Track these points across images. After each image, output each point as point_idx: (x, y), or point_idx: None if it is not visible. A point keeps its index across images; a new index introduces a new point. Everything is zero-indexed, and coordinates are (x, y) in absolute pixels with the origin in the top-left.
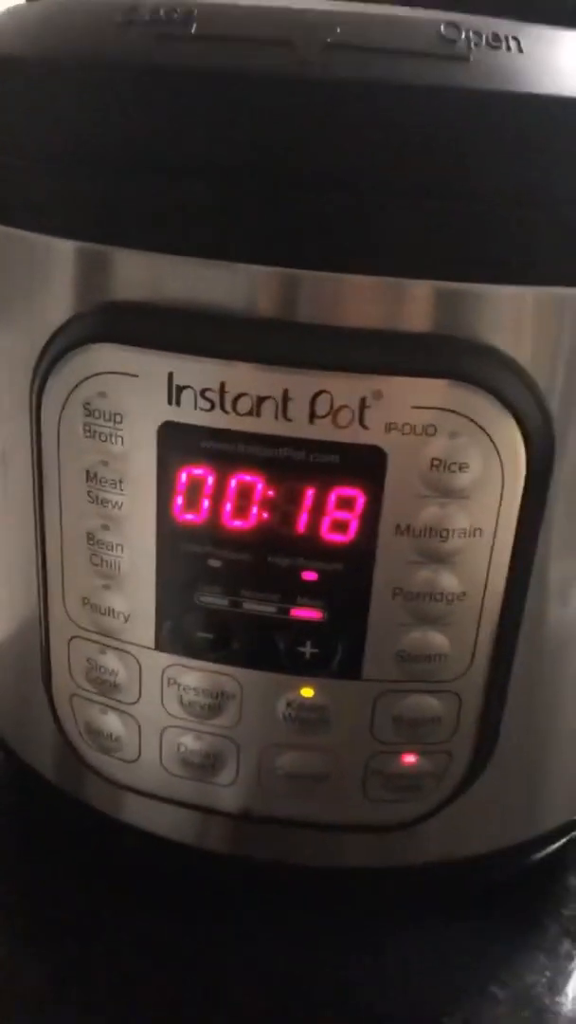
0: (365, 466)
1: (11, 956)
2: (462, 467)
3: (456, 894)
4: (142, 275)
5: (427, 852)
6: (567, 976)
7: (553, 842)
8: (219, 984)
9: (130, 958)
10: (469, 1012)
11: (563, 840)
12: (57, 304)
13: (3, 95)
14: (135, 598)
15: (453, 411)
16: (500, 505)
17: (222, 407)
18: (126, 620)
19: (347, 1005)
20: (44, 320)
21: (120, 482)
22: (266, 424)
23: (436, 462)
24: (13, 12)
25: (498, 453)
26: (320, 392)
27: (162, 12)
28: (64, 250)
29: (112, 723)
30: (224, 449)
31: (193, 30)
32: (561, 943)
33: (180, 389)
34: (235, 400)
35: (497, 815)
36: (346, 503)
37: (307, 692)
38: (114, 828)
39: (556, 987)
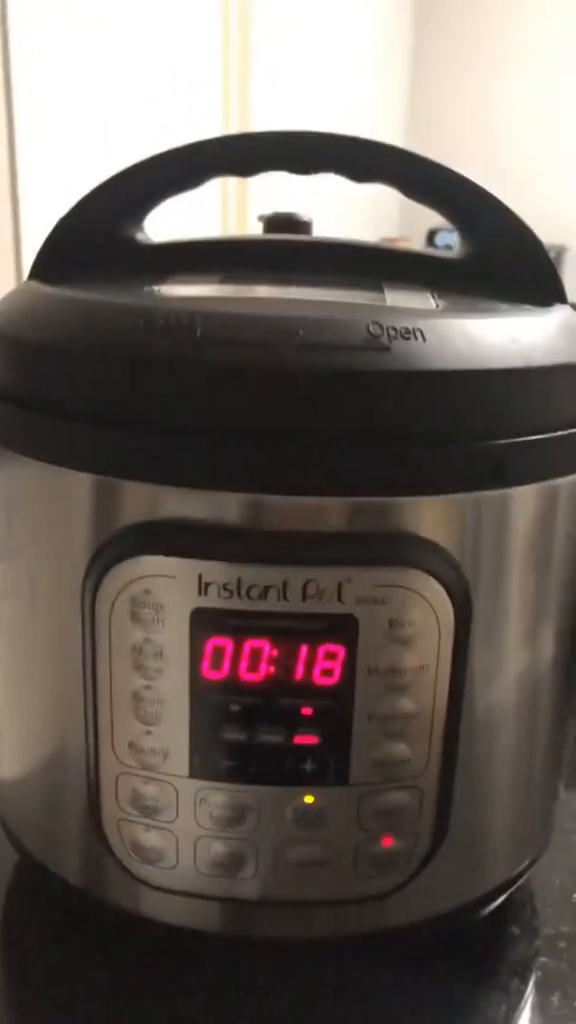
0: (343, 629)
1: None
2: (410, 624)
3: (424, 948)
4: (172, 502)
5: (405, 914)
6: (520, 1008)
7: (497, 897)
8: None
9: None
10: None
11: (505, 895)
12: (102, 524)
13: (44, 373)
14: (172, 739)
15: (403, 587)
16: (438, 648)
17: (238, 595)
18: (165, 757)
19: None
20: (86, 536)
21: (160, 653)
22: (271, 604)
23: (392, 621)
24: (37, 298)
25: (435, 613)
26: (309, 580)
27: (172, 319)
28: (110, 485)
29: (154, 839)
30: (240, 624)
31: (198, 334)
32: (512, 981)
33: (207, 584)
34: (248, 589)
35: (453, 879)
36: (331, 655)
37: (309, 799)
38: (138, 923)
39: (511, 1018)
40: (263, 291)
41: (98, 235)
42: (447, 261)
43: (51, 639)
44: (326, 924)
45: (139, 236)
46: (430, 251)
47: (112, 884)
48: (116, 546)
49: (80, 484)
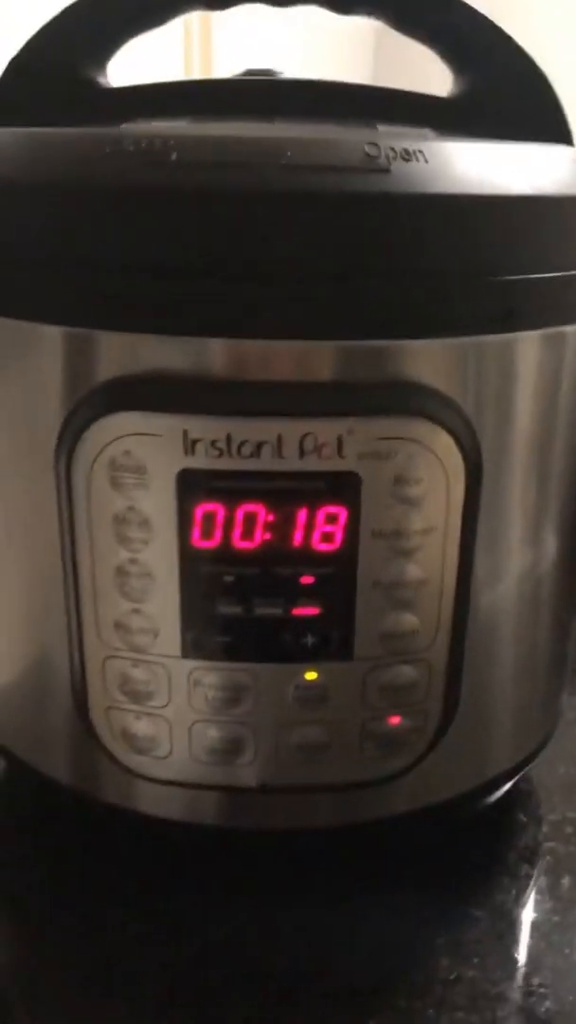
0: (345, 487)
1: (47, 948)
2: (418, 481)
3: (432, 836)
4: (152, 353)
5: (411, 800)
6: (530, 892)
7: (504, 783)
8: (235, 940)
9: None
10: (457, 930)
11: (512, 781)
12: (74, 382)
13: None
14: (162, 617)
15: (408, 439)
16: (447, 507)
17: (228, 453)
18: (155, 636)
19: (357, 936)
20: (57, 398)
21: (145, 522)
22: (265, 463)
23: (398, 478)
24: None
25: (444, 467)
26: (307, 434)
27: (143, 143)
28: (82, 337)
29: (146, 727)
30: (232, 486)
31: (173, 157)
32: (520, 866)
33: (194, 442)
34: (239, 446)
35: (461, 763)
36: (332, 518)
37: (310, 676)
38: (132, 819)
39: (521, 901)
40: (242, 127)
41: (55, 76)
42: (442, 100)
43: (24, 517)
44: (329, 812)
45: (101, 79)
46: (422, 92)
47: (103, 779)
48: (91, 404)
49: (48, 340)
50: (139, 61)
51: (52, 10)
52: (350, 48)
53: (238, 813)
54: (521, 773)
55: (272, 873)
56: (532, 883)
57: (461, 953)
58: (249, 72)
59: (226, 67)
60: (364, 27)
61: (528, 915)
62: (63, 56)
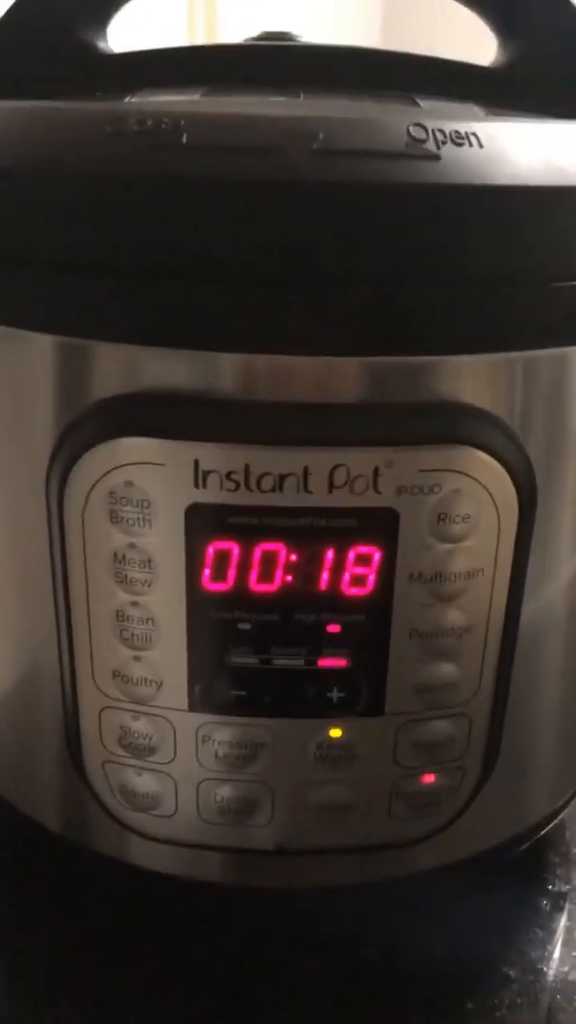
0: (380, 526)
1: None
2: (464, 517)
3: (459, 887)
4: (158, 368)
5: (438, 858)
6: (565, 945)
7: (540, 831)
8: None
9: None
10: (488, 993)
11: (546, 829)
12: (68, 400)
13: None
14: (166, 666)
15: (455, 470)
16: (497, 546)
17: (247, 486)
18: (158, 687)
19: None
20: (48, 417)
21: (148, 562)
22: (288, 498)
23: (442, 515)
24: None
25: (494, 501)
26: (337, 466)
27: (150, 122)
28: (77, 348)
29: (148, 783)
30: (249, 523)
31: (184, 140)
32: (555, 917)
33: (206, 474)
34: (259, 479)
35: (496, 816)
36: (364, 559)
37: (335, 733)
38: (128, 873)
39: (557, 957)
40: (264, 103)
41: (49, 39)
42: (485, 70)
43: (12, 550)
44: (349, 871)
45: (101, 44)
46: (463, 60)
47: (97, 831)
48: (86, 427)
49: (37, 350)
50: (139, 25)
51: None
52: (356, 11)
53: (246, 872)
54: (557, 819)
55: (277, 934)
56: (569, 936)
57: (494, 1022)
58: (266, 35)
59: (231, 31)
60: None
61: (568, 974)
62: (58, 16)
